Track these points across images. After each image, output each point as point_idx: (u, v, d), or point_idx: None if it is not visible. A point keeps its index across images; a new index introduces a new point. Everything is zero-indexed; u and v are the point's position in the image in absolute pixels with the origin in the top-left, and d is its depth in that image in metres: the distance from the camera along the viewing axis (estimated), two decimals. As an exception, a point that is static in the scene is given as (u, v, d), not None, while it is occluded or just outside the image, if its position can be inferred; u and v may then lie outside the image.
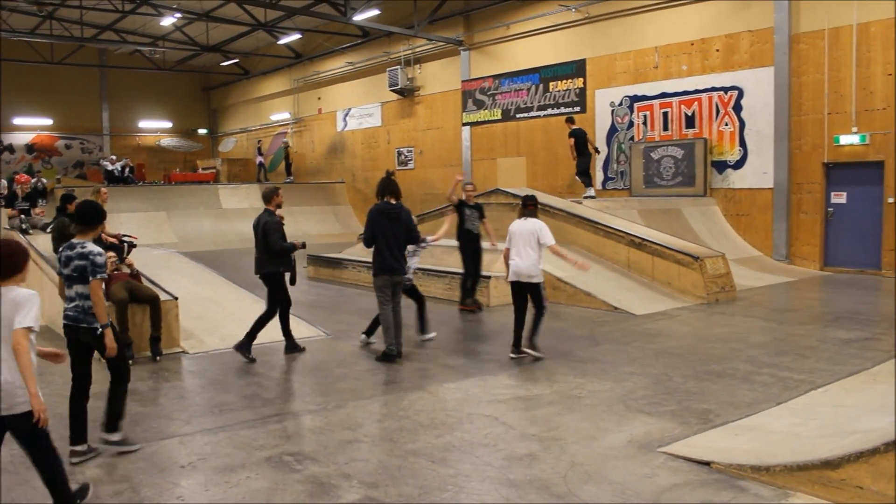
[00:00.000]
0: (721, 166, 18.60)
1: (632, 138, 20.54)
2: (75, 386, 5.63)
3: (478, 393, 7.20)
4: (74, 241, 5.60)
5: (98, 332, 5.48)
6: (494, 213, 15.84)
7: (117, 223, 19.10)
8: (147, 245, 10.00)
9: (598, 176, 21.33)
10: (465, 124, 25.66)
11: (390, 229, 8.62)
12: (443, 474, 5.16)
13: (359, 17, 24.30)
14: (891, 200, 15.76)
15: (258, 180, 31.27)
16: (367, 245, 8.88)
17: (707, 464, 5.23)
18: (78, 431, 5.57)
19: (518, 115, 23.76)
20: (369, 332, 9.59)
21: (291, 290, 9.21)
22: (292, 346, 9.21)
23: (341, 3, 23.36)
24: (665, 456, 5.45)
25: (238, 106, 39.62)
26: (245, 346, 8.75)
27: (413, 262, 9.67)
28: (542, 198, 15.80)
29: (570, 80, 22.03)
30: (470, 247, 12.09)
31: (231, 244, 22.56)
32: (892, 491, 4.31)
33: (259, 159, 32.15)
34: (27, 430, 4.19)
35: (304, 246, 9.38)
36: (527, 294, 8.67)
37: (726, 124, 18.46)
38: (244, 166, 36.34)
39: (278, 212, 9.12)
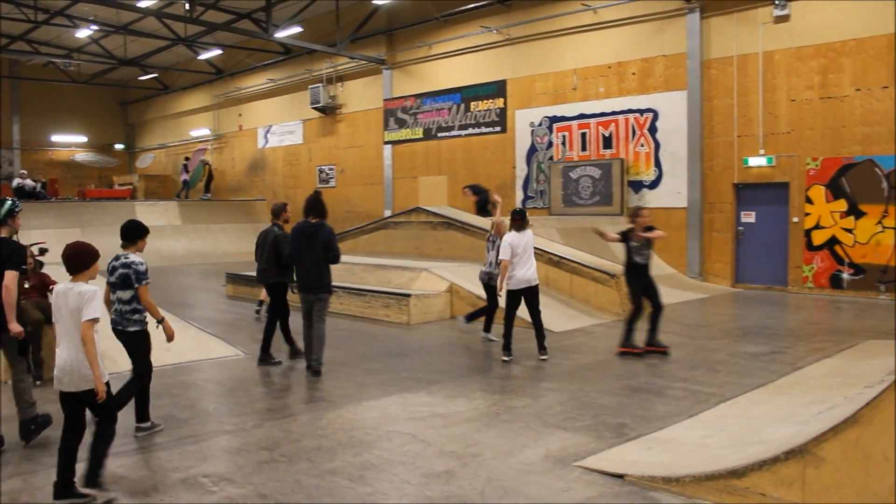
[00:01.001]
0: (637, 186, 19.10)
1: (551, 158, 20.93)
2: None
3: (397, 411, 7.21)
4: (119, 253, 6.36)
5: (131, 331, 6.35)
6: (415, 230, 15.95)
7: (28, 240, 18.48)
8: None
9: (518, 195, 21.64)
10: (386, 143, 25.75)
11: (308, 248, 8.79)
12: (360, 493, 5.16)
13: (281, 34, 24.22)
14: (795, 220, 16.45)
15: (178, 196, 30.73)
16: (289, 263, 9.25)
17: (621, 476, 5.36)
18: (142, 410, 6.56)
19: (439, 135, 23.97)
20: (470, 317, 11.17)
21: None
22: (295, 353, 9.83)
23: (263, 19, 23.25)
24: (580, 470, 5.56)
25: (157, 121, 38.89)
26: (264, 356, 9.50)
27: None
28: (463, 216, 16.02)
29: (490, 101, 22.35)
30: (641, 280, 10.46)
31: (150, 262, 21.72)
32: (792, 497, 4.50)
33: (184, 176, 31.59)
34: (92, 402, 5.06)
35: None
36: (522, 300, 9.64)
37: (642, 145, 18.98)
38: (162, 182, 35.63)
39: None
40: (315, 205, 8.96)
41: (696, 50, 17.72)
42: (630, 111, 19.18)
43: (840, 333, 11.45)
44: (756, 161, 17.02)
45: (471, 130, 23.02)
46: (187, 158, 33.00)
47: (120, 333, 6.36)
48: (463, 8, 22.28)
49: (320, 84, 27.48)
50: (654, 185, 18.81)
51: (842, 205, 15.88)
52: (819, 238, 16.24)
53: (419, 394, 7.87)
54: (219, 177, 33.47)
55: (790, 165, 16.55)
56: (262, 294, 13.87)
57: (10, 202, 6.66)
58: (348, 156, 27.67)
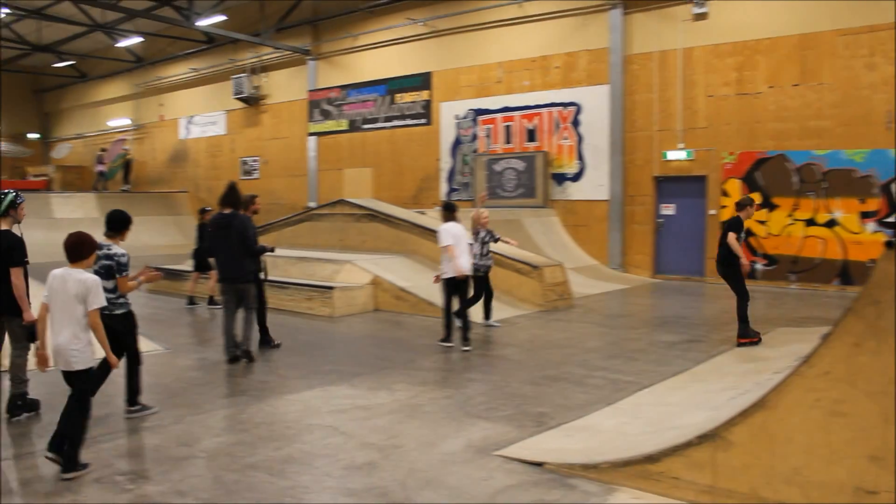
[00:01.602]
0: (560, 178, 19.35)
1: (475, 150, 21.04)
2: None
3: (318, 404, 7.17)
4: (102, 243, 6.44)
5: (119, 314, 6.51)
6: (339, 223, 15.85)
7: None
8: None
9: (443, 187, 21.71)
10: (311, 134, 25.51)
11: (223, 239, 8.92)
12: (281, 487, 5.12)
13: (203, 23, 23.69)
14: (712, 212, 16.90)
15: (95, 189, 29.85)
16: (209, 255, 9.67)
17: (540, 464, 5.43)
18: (132, 394, 6.84)
19: (365, 126, 23.85)
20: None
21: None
22: (266, 341, 9.88)
23: (185, 7, 22.71)
24: (501, 459, 5.61)
25: (74, 110, 37.67)
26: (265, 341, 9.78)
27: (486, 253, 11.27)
28: (387, 208, 16.00)
29: (416, 93, 22.33)
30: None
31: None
32: (703, 480, 4.63)
33: (100, 167, 30.65)
34: (82, 384, 5.49)
35: (272, 250, 9.96)
36: (458, 289, 9.88)
37: (565, 138, 19.23)
38: (79, 174, 34.51)
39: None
40: (228, 196, 9.09)
41: (619, 45, 18.02)
42: (554, 105, 19.41)
43: (753, 321, 11.75)
44: (675, 155, 17.43)
45: (396, 122, 22.97)
46: (103, 149, 32.09)
47: (108, 318, 6.17)
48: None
49: (244, 74, 27.04)
50: (576, 177, 19.09)
51: (756, 198, 16.34)
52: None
53: (341, 386, 7.84)
54: (139, 168, 32.67)
55: (708, 159, 17.00)
56: (188, 287, 13.77)
57: (12, 194, 6.81)
58: (272, 147, 27.32)
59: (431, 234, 14.45)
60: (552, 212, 19.26)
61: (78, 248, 5.53)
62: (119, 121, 34.37)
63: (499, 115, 20.53)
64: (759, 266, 16.35)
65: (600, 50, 18.48)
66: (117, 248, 6.53)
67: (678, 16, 17.24)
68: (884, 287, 4.05)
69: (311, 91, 25.41)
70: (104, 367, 6.06)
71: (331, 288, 12.47)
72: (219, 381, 8.28)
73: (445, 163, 21.82)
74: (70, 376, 5.47)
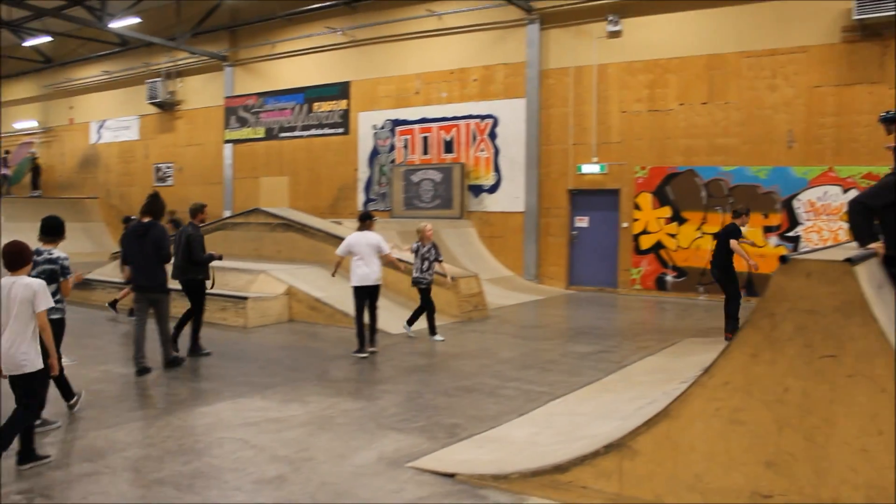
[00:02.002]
0: (477, 190, 19.53)
1: (393, 161, 21.06)
2: None
3: (229, 416, 7.05)
4: (41, 248, 6.67)
5: (55, 319, 6.35)
6: (254, 232, 15.66)
7: None
8: None
9: (360, 197, 21.66)
10: (227, 141, 25.12)
11: (139, 248, 8.81)
12: (188, 502, 5.02)
13: (116, 25, 23.05)
14: (625, 225, 17.31)
15: (-1, 193, 28.74)
16: (124, 263, 9.72)
17: (452, 476, 5.45)
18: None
19: (282, 135, 23.63)
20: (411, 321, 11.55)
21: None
22: (196, 350, 9.91)
23: (98, 7, 22.04)
24: (413, 471, 5.62)
25: (-26, 111, 36.22)
26: (172, 356, 9.35)
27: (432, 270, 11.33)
28: (303, 218, 15.88)
29: (334, 102, 22.24)
30: None
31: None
32: (610, 488, 4.74)
33: (3, 171, 29.49)
34: (29, 385, 5.63)
35: (220, 258, 10.23)
36: (367, 297, 10.11)
37: (482, 150, 19.42)
38: (-20, 177, 33.23)
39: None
40: (149, 205, 9.04)
41: (535, 60, 18.32)
42: (471, 117, 19.59)
43: (663, 332, 12.14)
44: (589, 168, 17.79)
45: (314, 131, 22.82)
46: (7, 152, 30.90)
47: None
48: (308, 7, 22.03)
49: (159, 79, 26.43)
50: (493, 189, 19.29)
51: (666, 211, 16.85)
52: (646, 243, 17.16)
53: (253, 398, 7.73)
54: (47, 173, 31.53)
55: (621, 173, 17.40)
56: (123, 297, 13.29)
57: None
58: (187, 154, 26.77)
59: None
60: (469, 223, 19.41)
61: (19, 256, 5.72)
62: (25, 123, 33.14)
63: (416, 127, 20.60)
64: (669, 278, 16.80)
65: (517, 64, 18.75)
66: (59, 252, 6.70)
67: (593, 33, 17.64)
68: (778, 300, 4.23)
69: (227, 98, 25.03)
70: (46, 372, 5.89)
71: (244, 298, 12.29)
72: (126, 394, 8.05)
73: (363, 173, 21.77)
74: (16, 380, 5.61)
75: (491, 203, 19.26)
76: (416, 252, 11.34)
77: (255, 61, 24.38)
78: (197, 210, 10.27)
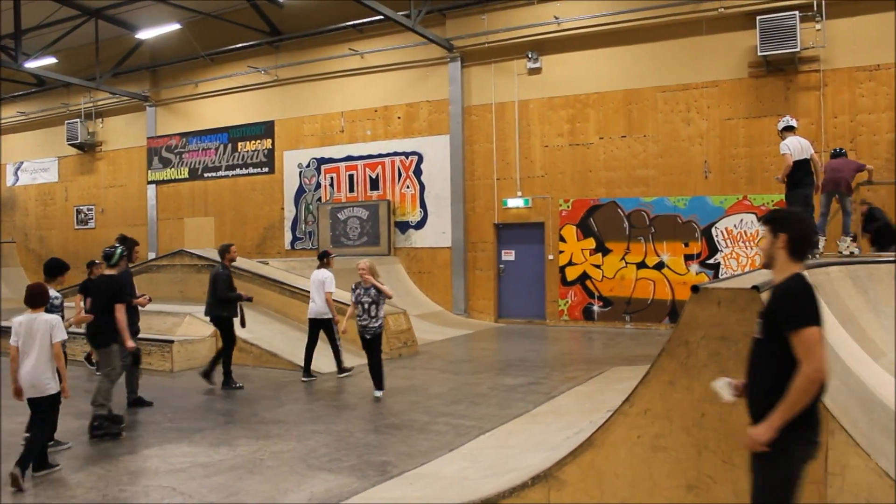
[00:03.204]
0: (404, 226, 19.62)
1: (319, 199, 21.03)
2: None
3: (156, 463, 6.91)
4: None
5: None
6: (179, 274, 15.41)
7: None
8: None
9: (287, 236, 21.53)
10: (150, 182, 24.71)
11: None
12: (113, 552, 4.91)
13: (32, 65, 22.57)
14: (551, 257, 17.60)
15: None
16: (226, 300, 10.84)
17: (382, 513, 5.46)
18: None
19: (206, 175, 23.38)
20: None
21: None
22: (228, 384, 10.58)
23: (12, 47, 21.54)
24: (344, 510, 5.62)
25: None
26: (209, 375, 10.66)
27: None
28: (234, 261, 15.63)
29: (258, 141, 22.16)
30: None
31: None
32: (538, 520, 4.81)
33: None
34: (46, 408, 6.61)
35: (249, 299, 11.02)
36: (320, 328, 11.13)
37: (408, 187, 19.55)
38: None
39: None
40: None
41: (458, 96, 18.60)
42: (396, 154, 19.73)
43: (591, 362, 12.33)
44: (514, 202, 18.07)
45: (239, 171, 22.66)
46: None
47: None
48: (230, 47, 21.96)
49: (78, 119, 25.90)
50: (419, 225, 19.41)
51: (591, 243, 17.19)
52: (572, 274, 17.45)
53: (180, 444, 7.59)
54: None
55: (545, 206, 17.71)
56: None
57: (119, 249, 8.57)
58: (109, 195, 26.23)
59: (275, 284, 14.32)
60: (396, 259, 19.46)
61: (39, 296, 6.76)
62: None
63: (342, 164, 20.65)
64: (595, 308, 17.11)
65: (440, 101, 19.01)
66: (53, 292, 7.74)
67: (514, 70, 18.02)
68: (692, 328, 4.39)
69: (150, 138, 24.67)
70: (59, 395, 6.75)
71: (170, 342, 12.08)
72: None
73: (289, 211, 21.68)
74: (39, 402, 6.55)
75: (418, 239, 19.38)
76: (354, 297, 9.85)
77: (178, 101, 24.14)
78: (224, 250, 11.11)
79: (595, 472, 4.65)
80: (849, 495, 4.02)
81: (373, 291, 9.64)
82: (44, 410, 6.60)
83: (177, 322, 13.09)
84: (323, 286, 11.10)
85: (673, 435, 4.43)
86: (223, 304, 10.66)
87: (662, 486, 4.45)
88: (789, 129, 10.02)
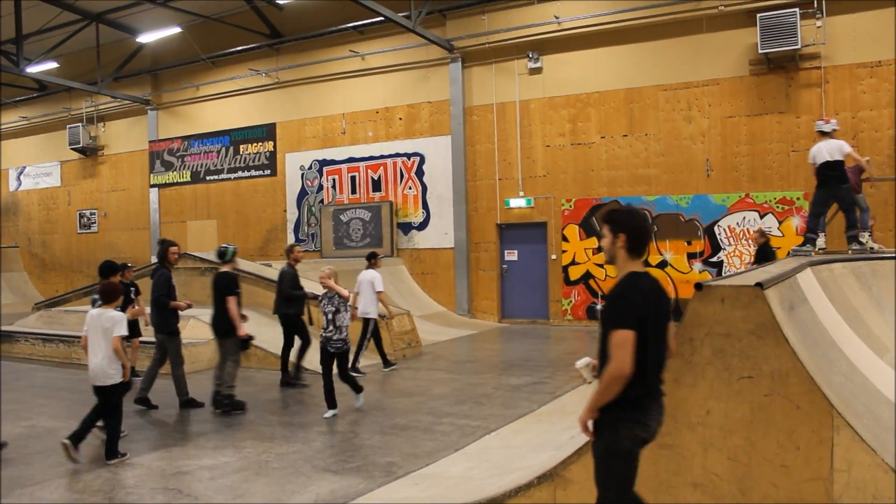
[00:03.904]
0: (406, 227, 19.63)
1: (321, 201, 21.05)
2: None
3: (161, 466, 6.92)
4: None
5: None
6: (182, 277, 15.37)
7: None
8: None
9: (290, 238, 21.55)
10: (152, 186, 24.75)
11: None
12: (120, 554, 4.92)
13: (34, 69, 22.62)
14: (554, 257, 17.59)
15: None
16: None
17: (388, 514, 5.47)
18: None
19: (208, 178, 23.41)
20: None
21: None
22: (296, 378, 10.94)
23: (13, 52, 21.56)
24: (349, 511, 5.62)
25: None
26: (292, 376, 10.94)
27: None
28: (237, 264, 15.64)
29: (260, 144, 22.18)
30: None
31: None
32: (544, 519, 4.81)
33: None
34: (111, 395, 7.10)
35: (315, 297, 10.40)
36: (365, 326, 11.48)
37: (410, 188, 19.56)
38: None
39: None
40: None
41: (459, 97, 18.61)
42: (398, 155, 19.75)
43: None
44: (516, 202, 18.07)
45: (240, 174, 22.69)
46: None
47: None
48: (231, 50, 21.99)
49: (80, 124, 25.93)
50: (422, 226, 19.42)
51: (593, 242, 17.18)
52: (575, 273, 17.45)
53: (186, 447, 7.60)
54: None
55: (547, 206, 17.72)
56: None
57: (231, 248, 9.69)
58: (112, 199, 26.28)
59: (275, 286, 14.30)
60: (400, 261, 19.47)
61: (111, 293, 7.39)
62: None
63: (344, 166, 20.67)
64: (598, 307, 17.11)
65: (442, 102, 19.02)
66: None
67: (515, 70, 18.03)
68: (696, 325, 4.39)
69: (151, 141, 24.71)
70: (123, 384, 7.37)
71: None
72: (52, 449, 7.80)
73: (292, 214, 21.70)
74: (102, 390, 7.06)
75: (421, 240, 19.38)
76: (320, 308, 9.04)
77: (179, 104, 24.17)
78: (289, 250, 11.65)
79: (600, 471, 4.65)
80: (855, 491, 4.02)
81: (336, 299, 8.90)
82: (109, 398, 7.12)
83: (180, 325, 13.05)
84: (373, 286, 11.63)
85: (678, 433, 4.43)
86: (289, 302, 11.05)
87: (668, 483, 4.45)
88: (820, 135, 10.15)
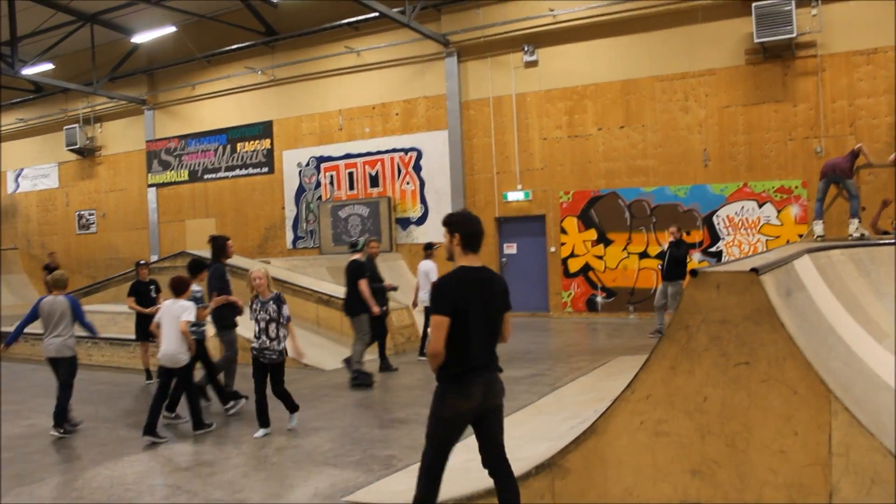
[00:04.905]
0: (405, 223, 19.62)
1: (319, 198, 21.04)
2: None
3: (161, 463, 6.92)
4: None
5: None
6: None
7: None
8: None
9: (289, 236, 21.54)
10: (150, 185, 24.73)
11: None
12: (119, 552, 4.92)
13: (29, 71, 22.59)
14: (553, 250, 17.58)
15: None
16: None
17: (387, 507, 5.46)
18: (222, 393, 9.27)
19: (206, 177, 23.39)
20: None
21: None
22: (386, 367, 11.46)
23: (8, 54, 21.52)
24: (347, 504, 5.62)
25: None
26: (388, 366, 11.48)
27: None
28: (231, 259, 15.63)
29: (257, 141, 22.16)
30: None
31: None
32: (543, 509, 4.80)
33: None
34: (184, 374, 8.00)
35: (394, 289, 12.22)
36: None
37: (408, 183, 19.54)
38: None
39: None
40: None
41: (455, 92, 18.57)
42: (395, 150, 19.72)
43: (595, 353, 12.32)
44: (514, 196, 18.05)
45: (238, 172, 22.67)
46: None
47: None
48: (226, 49, 21.94)
49: (77, 125, 25.91)
50: (420, 221, 19.41)
51: (592, 234, 17.18)
52: (574, 265, 17.44)
53: (185, 443, 7.60)
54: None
55: (545, 199, 17.69)
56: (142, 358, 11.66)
57: (363, 238, 11.54)
58: (110, 200, 26.26)
59: (278, 283, 14.28)
60: (399, 256, 19.44)
61: (181, 286, 8.22)
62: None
63: (341, 162, 20.65)
64: (598, 299, 17.10)
65: (438, 96, 18.99)
66: (195, 287, 8.86)
67: (510, 63, 17.99)
68: (691, 312, 4.37)
69: (149, 141, 24.68)
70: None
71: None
72: (51, 447, 7.81)
73: (290, 211, 21.68)
74: (176, 371, 7.91)
75: (420, 235, 19.34)
76: (251, 314, 7.98)
77: (176, 104, 24.14)
78: (365, 243, 11.75)
79: (598, 460, 4.64)
80: (853, 475, 4.00)
81: (271, 307, 7.76)
82: (181, 377, 7.98)
83: (180, 323, 13.05)
84: (428, 277, 12.00)
85: (675, 420, 4.42)
86: (374, 295, 11.02)
87: (666, 471, 4.43)
88: None
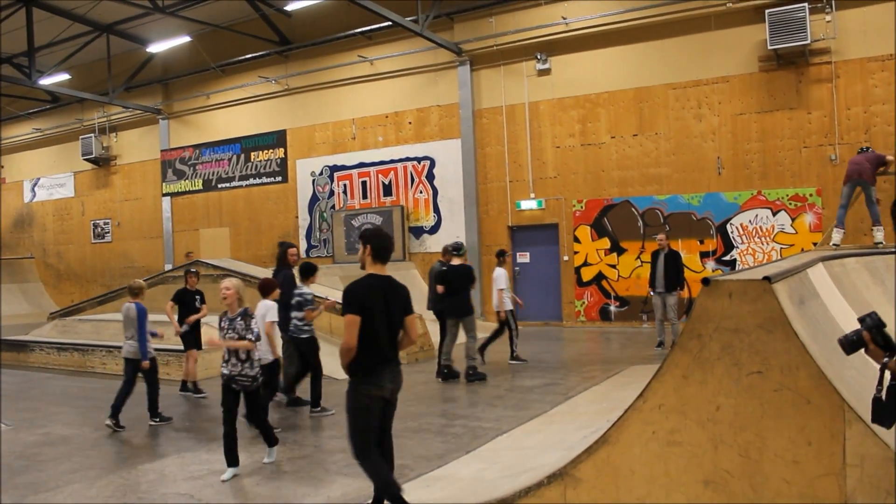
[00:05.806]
0: (418, 231, 19.63)
1: (333, 206, 21.08)
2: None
3: (174, 471, 6.93)
4: (300, 283, 9.51)
5: (303, 338, 9.46)
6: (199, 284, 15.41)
7: None
8: None
9: (302, 245, 21.59)
10: (165, 195, 24.86)
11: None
12: (131, 560, 4.92)
13: (46, 81, 22.81)
14: (566, 258, 17.54)
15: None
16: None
17: (399, 516, 5.43)
18: (315, 400, 9.48)
19: (220, 186, 23.49)
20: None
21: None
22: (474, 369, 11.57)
23: (26, 65, 21.72)
24: (360, 514, 5.60)
25: None
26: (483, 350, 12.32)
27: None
28: (245, 268, 15.75)
29: (271, 150, 22.24)
30: None
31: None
32: (555, 519, 4.77)
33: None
34: (267, 373, 8.03)
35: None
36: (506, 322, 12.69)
37: (421, 192, 19.56)
38: None
39: None
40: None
41: (468, 100, 18.60)
42: (408, 159, 19.75)
43: (608, 362, 12.27)
44: (527, 204, 18.03)
45: (252, 181, 22.76)
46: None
47: (296, 340, 9.40)
48: (240, 58, 22.08)
49: (92, 134, 26.12)
50: (433, 230, 19.41)
51: (605, 243, 17.13)
52: (588, 274, 17.39)
53: (198, 452, 7.61)
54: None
55: (558, 207, 17.67)
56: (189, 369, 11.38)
57: (463, 244, 12.23)
58: (125, 209, 26.43)
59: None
60: (411, 265, 19.45)
61: (266, 288, 8.78)
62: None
63: (354, 171, 20.70)
64: (612, 308, 17.03)
65: (451, 105, 19.01)
66: (305, 289, 9.32)
67: (523, 71, 18.01)
68: (704, 321, 4.34)
69: (163, 151, 24.83)
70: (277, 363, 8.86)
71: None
72: (66, 456, 7.85)
73: (303, 220, 21.75)
74: (263, 369, 7.51)
75: (432, 244, 19.34)
76: (219, 333, 7.11)
77: (190, 113, 24.29)
78: (446, 250, 12.08)
79: (611, 469, 4.61)
80: (868, 486, 3.96)
81: (238, 323, 6.91)
82: (266, 375, 7.89)
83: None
84: (496, 283, 12.61)
85: (688, 429, 4.39)
86: (440, 300, 11.65)
87: (679, 481, 4.40)
88: None
